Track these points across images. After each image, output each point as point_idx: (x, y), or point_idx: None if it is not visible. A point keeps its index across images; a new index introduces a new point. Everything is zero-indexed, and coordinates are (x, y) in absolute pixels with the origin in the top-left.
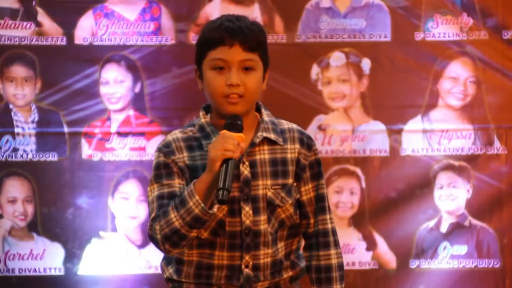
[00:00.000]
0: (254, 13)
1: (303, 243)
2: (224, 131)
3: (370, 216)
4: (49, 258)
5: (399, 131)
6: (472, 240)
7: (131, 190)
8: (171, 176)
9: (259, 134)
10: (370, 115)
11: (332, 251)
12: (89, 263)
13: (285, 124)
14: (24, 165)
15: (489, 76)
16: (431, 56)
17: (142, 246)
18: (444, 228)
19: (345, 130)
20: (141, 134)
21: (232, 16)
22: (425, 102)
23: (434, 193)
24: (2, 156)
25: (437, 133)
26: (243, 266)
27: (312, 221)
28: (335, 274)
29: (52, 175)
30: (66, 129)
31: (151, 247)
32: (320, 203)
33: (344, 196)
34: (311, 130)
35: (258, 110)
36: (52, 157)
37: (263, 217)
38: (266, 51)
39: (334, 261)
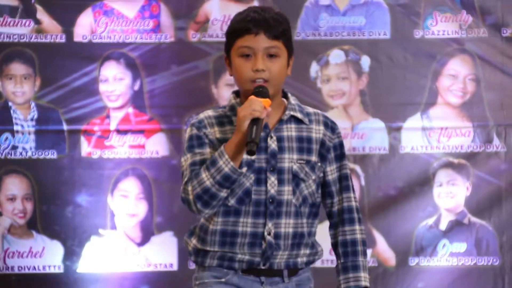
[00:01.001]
0: None
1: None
2: (252, 96)
3: (369, 214)
4: (48, 256)
5: (398, 129)
6: (471, 238)
7: (130, 187)
8: (203, 146)
9: (286, 112)
10: (369, 113)
11: (357, 227)
12: (89, 261)
13: (311, 109)
14: (23, 163)
15: (489, 74)
16: (430, 54)
17: (141, 244)
18: (443, 226)
19: (344, 127)
20: (141, 131)
21: (258, 8)
22: (424, 99)
23: (433, 190)
24: (1, 154)
25: (436, 131)
26: (265, 233)
27: (336, 199)
28: (360, 248)
29: (52, 173)
30: (65, 127)
31: (151, 244)
32: (344, 182)
33: None
34: None
35: (285, 97)
36: (51, 154)
37: (287, 188)
38: (290, 39)
39: (359, 236)
